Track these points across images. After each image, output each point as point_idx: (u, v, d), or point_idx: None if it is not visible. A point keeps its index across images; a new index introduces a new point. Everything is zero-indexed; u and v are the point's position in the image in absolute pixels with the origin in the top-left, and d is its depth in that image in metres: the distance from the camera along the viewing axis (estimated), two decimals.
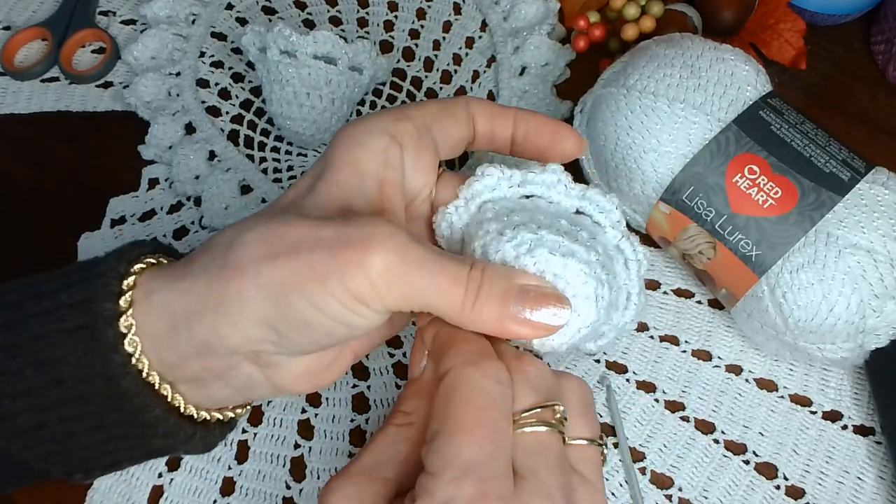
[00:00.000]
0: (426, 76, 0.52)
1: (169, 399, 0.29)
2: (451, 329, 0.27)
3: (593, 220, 0.30)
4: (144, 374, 0.28)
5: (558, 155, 0.32)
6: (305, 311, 0.26)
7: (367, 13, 0.55)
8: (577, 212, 0.30)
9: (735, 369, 0.41)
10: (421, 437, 0.26)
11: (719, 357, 0.42)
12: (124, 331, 0.27)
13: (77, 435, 0.29)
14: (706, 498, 0.38)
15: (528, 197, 0.30)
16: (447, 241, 0.31)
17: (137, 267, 0.29)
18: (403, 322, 0.34)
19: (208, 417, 0.31)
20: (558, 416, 0.26)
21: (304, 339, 0.27)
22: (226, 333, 0.27)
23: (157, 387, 0.28)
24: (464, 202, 0.30)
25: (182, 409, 0.29)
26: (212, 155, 0.49)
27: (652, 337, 0.42)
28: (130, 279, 0.28)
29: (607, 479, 0.39)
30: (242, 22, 0.54)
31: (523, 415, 0.25)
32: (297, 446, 0.40)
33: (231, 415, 0.32)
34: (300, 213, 0.28)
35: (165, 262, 0.30)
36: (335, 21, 0.55)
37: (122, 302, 0.28)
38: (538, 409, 0.25)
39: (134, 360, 0.27)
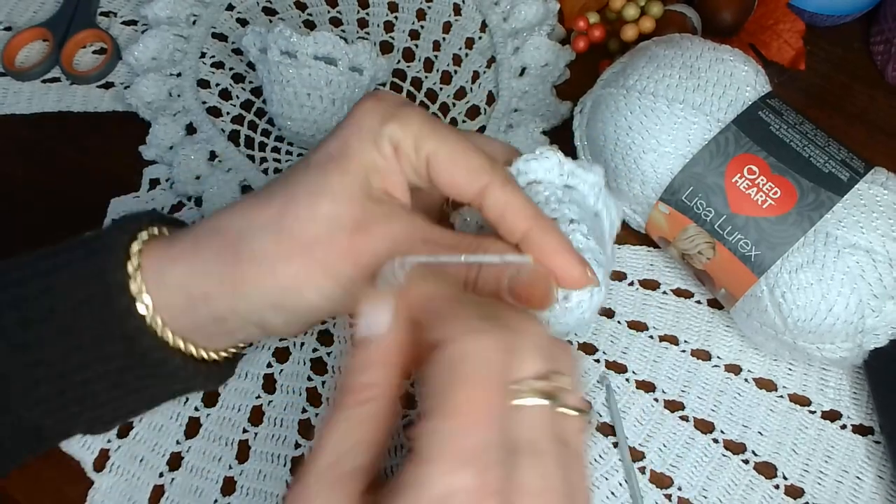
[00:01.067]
0: (426, 77, 0.52)
1: (183, 349, 0.31)
2: (453, 293, 0.25)
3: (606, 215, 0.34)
4: (160, 333, 0.30)
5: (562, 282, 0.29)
6: (316, 300, 0.29)
7: (367, 14, 0.55)
8: (595, 214, 0.33)
9: (734, 369, 0.41)
10: (388, 414, 0.23)
11: (718, 357, 0.42)
12: (135, 296, 0.30)
13: (98, 394, 0.31)
14: (705, 497, 0.38)
15: (567, 186, 0.33)
16: None
17: (141, 236, 0.31)
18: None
19: (217, 358, 0.34)
20: (558, 386, 0.24)
21: (310, 318, 0.31)
22: (243, 312, 0.30)
23: (171, 343, 0.31)
24: (515, 172, 0.32)
25: (195, 354, 0.32)
26: (212, 155, 0.49)
27: (651, 337, 0.42)
28: (135, 246, 0.31)
29: (606, 479, 0.39)
30: (243, 23, 0.55)
31: (525, 383, 0.23)
32: (297, 446, 0.40)
33: (235, 351, 0.35)
34: (313, 205, 0.29)
35: (166, 231, 0.33)
36: (335, 22, 0.55)
37: (129, 269, 0.30)
38: (540, 381, 0.23)
39: (149, 321, 0.30)
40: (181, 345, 0.31)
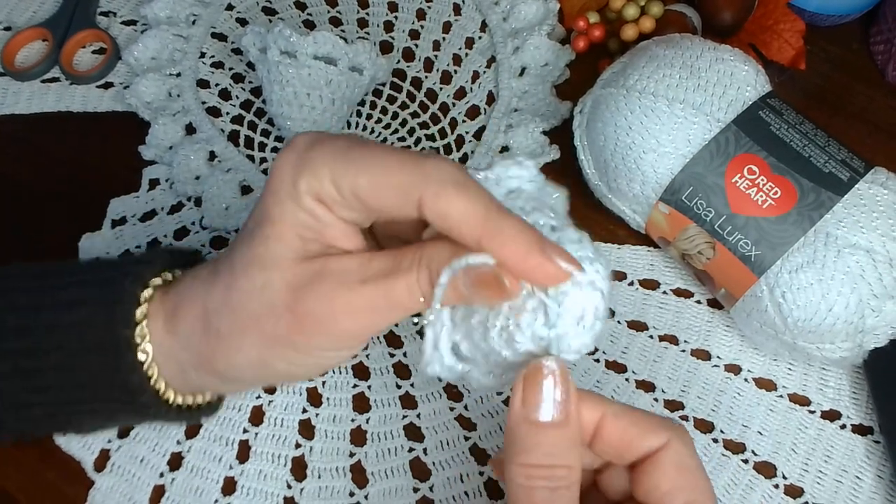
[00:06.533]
0: (426, 76, 0.52)
1: (171, 400, 0.33)
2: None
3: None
4: (161, 393, 0.32)
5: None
6: (286, 369, 0.30)
7: (367, 14, 0.55)
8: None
9: (734, 369, 0.42)
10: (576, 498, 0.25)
11: (718, 357, 0.42)
12: (142, 358, 0.31)
13: (83, 422, 0.33)
14: None
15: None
16: None
17: (147, 293, 0.32)
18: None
19: (201, 403, 0.35)
20: None
21: (288, 383, 0.33)
22: (227, 386, 0.33)
23: (162, 392, 0.32)
24: (495, 178, 0.29)
25: (182, 404, 0.34)
26: (212, 155, 0.49)
27: (651, 336, 0.42)
28: (144, 307, 0.31)
29: None
30: (243, 22, 0.54)
31: None
32: (298, 446, 0.40)
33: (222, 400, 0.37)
34: (250, 277, 0.29)
35: (171, 278, 0.33)
36: (335, 21, 0.55)
37: (137, 336, 0.31)
38: None
39: (152, 382, 0.32)
40: (171, 395, 0.33)
